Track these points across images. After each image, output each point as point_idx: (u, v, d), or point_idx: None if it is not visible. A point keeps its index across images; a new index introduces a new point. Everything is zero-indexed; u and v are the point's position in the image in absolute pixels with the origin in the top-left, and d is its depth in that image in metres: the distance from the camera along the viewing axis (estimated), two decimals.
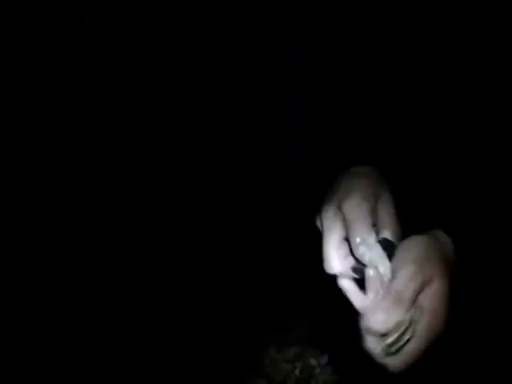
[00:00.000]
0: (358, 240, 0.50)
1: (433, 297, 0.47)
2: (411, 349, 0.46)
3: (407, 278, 0.46)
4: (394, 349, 0.46)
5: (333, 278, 0.52)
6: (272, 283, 0.92)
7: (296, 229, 0.63)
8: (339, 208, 0.53)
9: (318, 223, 0.55)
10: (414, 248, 0.48)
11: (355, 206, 0.52)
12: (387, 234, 0.52)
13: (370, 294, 0.48)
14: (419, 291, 0.46)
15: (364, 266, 0.50)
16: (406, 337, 0.45)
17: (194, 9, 0.75)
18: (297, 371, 0.98)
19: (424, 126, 0.67)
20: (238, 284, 0.92)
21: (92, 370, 0.93)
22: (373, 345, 0.46)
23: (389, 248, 0.50)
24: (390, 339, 0.45)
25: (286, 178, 0.78)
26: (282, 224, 0.82)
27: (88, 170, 0.84)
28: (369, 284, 0.48)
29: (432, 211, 0.57)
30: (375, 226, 0.53)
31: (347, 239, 0.52)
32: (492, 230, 0.54)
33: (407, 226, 0.53)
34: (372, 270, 0.48)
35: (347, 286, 0.50)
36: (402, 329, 0.45)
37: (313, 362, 0.98)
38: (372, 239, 0.50)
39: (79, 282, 0.91)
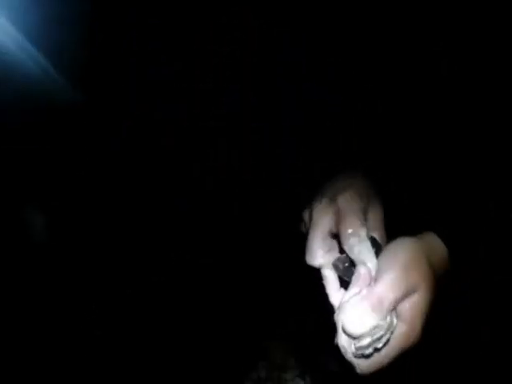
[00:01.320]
0: (349, 231, 0.50)
1: (412, 308, 0.46)
2: (382, 356, 0.45)
3: (390, 284, 0.45)
4: (365, 353, 0.45)
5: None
6: (267, 280, 0.92)
7: (290, 225, 0.62)
8: (333, 200, 0.52)
9: (305, 215, 0.55)
10: (401, 252, 0.47)
11: (350, 200, 0.52)
12: (375, 236, 0.51)
13: (353, 289, 0.47)
14: (400, 300, 0.45)
15: (348, 261, 0.50)
16: (380, 344, 0.44)
17: (188, 6, 0.75)
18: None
19: (419, 125, 0.67)
20: (233, 280, 0.92)
21: (89, 368, 0.93)
22: (345, 343, 0.46)
23: (376, 247, 0.50)
24: (363, 342, 0.44)
25: (281, 174, 0.78)
26: (277, 221, 0.82)
27: (83, 167, 0.84)
28: (357, 280, 0.47)
29: (425, 214, 0.56)
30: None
31: (334, 235, 0.52)
32: (491, 229, 0.54)
33: (399, 228, 0.53)
34: (364, 268, 0.47)
35: (329, 276, 0.50)
36: (377, 335, 0.44)
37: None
38: (363, 233, 0.50)
39: (74, 279, 0.91)
